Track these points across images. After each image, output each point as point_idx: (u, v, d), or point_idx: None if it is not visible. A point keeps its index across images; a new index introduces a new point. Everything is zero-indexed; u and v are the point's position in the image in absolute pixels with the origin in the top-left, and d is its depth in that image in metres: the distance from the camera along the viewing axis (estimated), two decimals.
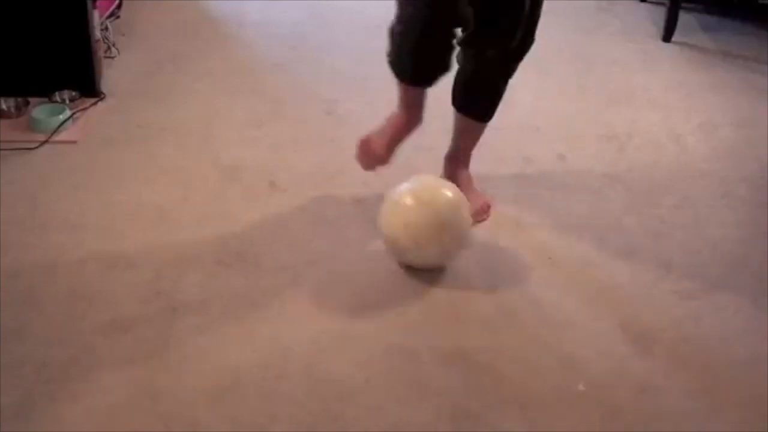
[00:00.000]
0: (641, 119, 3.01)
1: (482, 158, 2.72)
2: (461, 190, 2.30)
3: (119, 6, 3.57)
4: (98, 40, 3.03)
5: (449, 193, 2.21)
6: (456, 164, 2.53)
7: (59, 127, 2.77)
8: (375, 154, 2.48)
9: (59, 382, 1.83)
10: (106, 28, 3.30)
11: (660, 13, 3.73)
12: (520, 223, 2.44)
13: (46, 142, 2.71)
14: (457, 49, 2.35)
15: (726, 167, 2.75)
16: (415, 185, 2.23)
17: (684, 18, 3.66)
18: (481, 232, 2.39)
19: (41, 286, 2.11)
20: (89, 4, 2.88)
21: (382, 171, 2.60)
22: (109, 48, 3.26)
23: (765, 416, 1.82)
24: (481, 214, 2.43)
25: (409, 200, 2.20)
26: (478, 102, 2.46)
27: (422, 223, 2.16)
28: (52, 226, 2.33)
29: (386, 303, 2.11)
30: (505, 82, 2.42)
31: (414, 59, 2.39)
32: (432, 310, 2.09)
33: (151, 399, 1.80)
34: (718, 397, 1.88)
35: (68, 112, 2.82)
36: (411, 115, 2.50)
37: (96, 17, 2.98)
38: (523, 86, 3.21)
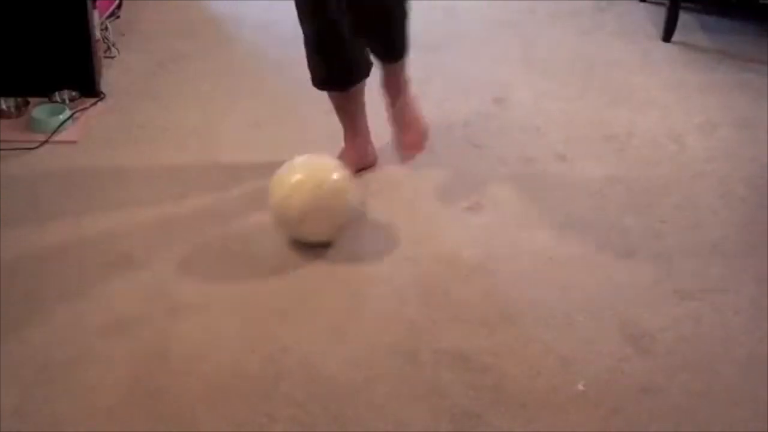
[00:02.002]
0: (641, 119, 3.01)
1: (482, 158, 2.73)
2: (402, 118, 2.47)
3: (119, 6, 3.57)
4: (98, 40, 3.03)
5: (335, 176, 2.26)
6: (396, 92, 2.53)
7: (59, 127, 2.77)
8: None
9: (59, 382, 1.83)
10: (106, 28, 3.30)
11: (660, 13, 3.73)
12: (520, 223, 2.44)
13: (46, 142, 2.71)
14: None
15: (726, 167, 2.75)
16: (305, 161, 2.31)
17: (684, 18, 3.65)
18: (481, 231, 2.39)
19: (41, 286, 2.11)
20: (89, 4, 2.88)
21: (381, 170, 2.61)
22: (109, 48, 3.26)
23: (765, 416, 1.82)
24: (411, 148, 2.50)
25: (296, 176, 2.27)
26: (393, 44, 2.44)
27: (306, 198, 2.21)
28: (52, 226, 2.33)
29: (386, 303, 2.11)
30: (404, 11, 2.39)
31: (322, 58, 2.44)
32: (432, 310, 2.09)
33: (151, 399, 1.80)
34: (718, 397, 1.88)
35: (68, 112, 2.82)
36: (359, 145, 2.57)
37: (96, 17, 2.98)
38: (523, 86, 3.22)
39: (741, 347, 2.02)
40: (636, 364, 1.95)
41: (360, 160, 2.57)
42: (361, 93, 2.55)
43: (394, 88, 2.50)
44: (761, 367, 1.96)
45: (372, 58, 2.49)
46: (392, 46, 2.42)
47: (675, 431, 1.80)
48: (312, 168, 2.30)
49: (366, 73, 2.52)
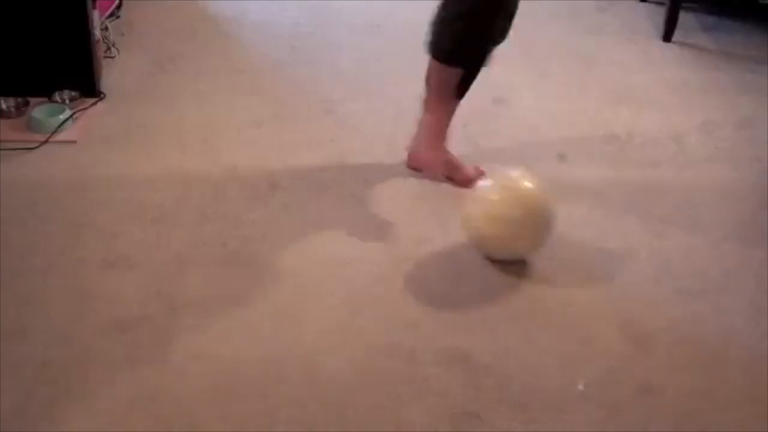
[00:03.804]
0: (641, 119, 3.01)
1: (482, 158, 2.72)
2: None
3: (119, 6, 3.57)
4: (98, 40, 3.02)
5: (533, 188, 2.24)
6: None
7: (59, 127, 2.77)
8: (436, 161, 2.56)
9: (59, 382, 1.83)
10: (106, 28, 3.30)
11: (660, 13, 3.73)
12: None
13: (46, 142, 2.71)
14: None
15: (726, 167, 2.75)
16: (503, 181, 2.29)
17: (684, 18, 3.65)
18: None
19: (41, 286, 2.11)
20: (89, 4, 2.88)
21: (382, 170, 2.61)
22: (109, 48, 3.26)
23: (765, 416, 1.82)
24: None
25: (494, 195, 2.25)
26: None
27: (507, 216, 2.19)
28: (52, 226, 2.33)
29: (386, 303, 2.11)
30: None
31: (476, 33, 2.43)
32: (432, 310, 2.09)
33: (151, 399, 1.80)
34: (718, 397, 1.88)
35: (68, 112, 2.82)
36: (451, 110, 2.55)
37: (96, 17, 2.98)
38: (523, 86, 3.22)
39: (741, 347, 2.02)
40: (636, 364, 1.95)
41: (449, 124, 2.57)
42: None
43: None
44: (761, 367, 1.96)
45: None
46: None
47: (675, 431, 1.80)
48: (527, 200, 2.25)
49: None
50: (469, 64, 2.47)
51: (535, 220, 2.22)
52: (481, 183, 2.31)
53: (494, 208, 2.22)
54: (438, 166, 2.57)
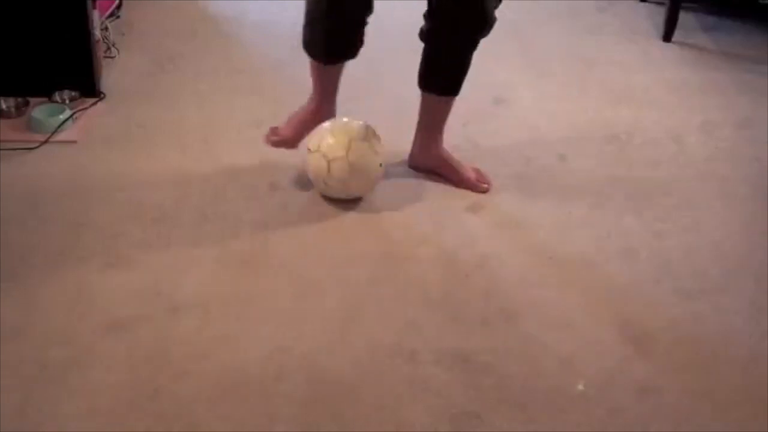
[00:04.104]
0: (641, 119, 3.01)
1: (482, 158, 2.72)
2: (452, 167, 2.56)
3: (119, 6, 3.57)
4: (98, 40, 3.02)
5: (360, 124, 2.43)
6: (437, 144, 2.60)
7: (59, 127, 2.77)
8: (282, 136, 2.60)
9: (59, 382, 1.83)
10: (106, 28, 3.30)
11: (660, 13, 3.73)
12: (520, 223, 2.44)
13: (46, 142, 2.71)
14: (367, 26, 2.43)
15: (726, 167, 2.75)
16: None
17: (684, 18, 3.65)
18: (481, 231, 2.39)
19: (41, 286, 2.11)
20: (89, 4, 2.88)
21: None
22: (109, 48, 3.26)
23: (765, 416, 1.82)
24: (481, 183, 2.56)
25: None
26: (448, 77, 2.52)
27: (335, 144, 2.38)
28: (52, 226, 2.33)
29: (386, 303, 2.11)
30: (472, 54, 2.48)
31: (326, 34, 2.44)
32: (432, 310, 2.10)
33: (151, 399, 1.80)
34: (718, 397, 1.88)
35: (68, 112, 2.82)
36: (323, 104, 2.58)
37: (96, 17, 2.98)
38: (523, 86, 3.22)
39: (741, 347, 2.02)
40: (636, 364, 1.95)
41: (316, 119, 2.56)
42: (342, 67, 2.56)
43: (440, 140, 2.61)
44: (761, 367, 1.96)
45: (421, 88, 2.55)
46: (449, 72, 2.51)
47: (675, 431, 1.80)
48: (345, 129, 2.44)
49: (354, 55, 2.52)
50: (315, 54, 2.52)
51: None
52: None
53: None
54: (276, 142, 2.60)
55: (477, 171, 2.59)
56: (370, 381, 1.88)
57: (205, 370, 1.88)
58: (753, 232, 2.45)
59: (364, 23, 2.44)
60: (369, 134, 2.44)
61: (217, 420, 1.76)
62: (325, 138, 2.42)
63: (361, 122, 2.46)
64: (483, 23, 2.37)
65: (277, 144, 2.60)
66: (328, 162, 2.38)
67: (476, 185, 2.55)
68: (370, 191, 2.48)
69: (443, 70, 2.50)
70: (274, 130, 2.62)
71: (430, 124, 2.58)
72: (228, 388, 1.84)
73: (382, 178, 2.49)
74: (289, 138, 2.59)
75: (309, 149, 2.45)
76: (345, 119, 2.50)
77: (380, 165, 2.45)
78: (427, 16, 2.43)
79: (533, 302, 2.14)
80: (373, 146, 2.43)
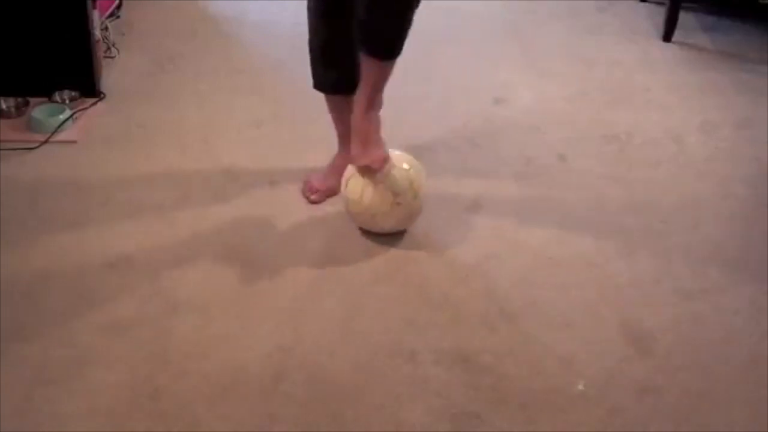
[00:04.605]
0: (641, 119, 3.01)
1: (482, 158, 2.73)
2: (368, 135, 2.33)
3: (119, 6, 3.57)
4: (98, 40, 3.03)
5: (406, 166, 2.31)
6: (369, 107, 2.39)
7: (59, 127, 2.77)
8: (325, 190, 2.49)
9: (59, 382, 1.83)
10: (106, 28, 3.30)
11: (660, 13, 3.73)
12: (520, 223, 2.44)
13: (46, 142, 2.71)
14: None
15: (726, 167, 2.75)
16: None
17: (684, 18, 3.65)
18: (481, 231, 2.39)
19: (41, 286, 2.11)
20: (89, 4, 2.88)
21: None
22: (109, 48, 3.26)
23: (765, 416, 1.82)
24: (376, 162, 2.34)
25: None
26: (389, 39, 2.28)
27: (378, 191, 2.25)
28: (52, 226, 2.33)
29: (386, 303, 2.12)
30: (412, 14, 2.26)
31: (331, 64, 2.40)
32: (432, 310, 2.10)
33: (151, 399, 1.80)
34: (718, 397, 1.88)
35: (68, 112, 2.82)
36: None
37: (96, 17, 2.98)
38: (523, 86, 3.22)
39: (741, 347, 2.02)
40: (636, 364, 1.96)
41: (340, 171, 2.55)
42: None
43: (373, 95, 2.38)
44: (761, 367, 1.96)
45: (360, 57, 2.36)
46: (394, 35, 2.26)
47: (675, 431, 1.80)
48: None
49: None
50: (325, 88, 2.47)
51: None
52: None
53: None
54: (318, 198, 2.51)
55: (377, 153, 2.33)
56: (370, 381, 1.88)
57: (205, 370, 1.88)
58: (753, 232, 2.45)
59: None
60: (411, 177, 2.31)
61: (217, 420, 1.76)
62: (367, 190, 2.28)
63: (404, 167, 2.32)
64: None
65: (319, 200, 2.49)
66: (372, 215, 2.30)
67: (353, 160, 2.36)
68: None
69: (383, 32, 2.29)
70: (310, 187, 2.50)
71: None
72: (228, 388, 1.84)
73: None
74: (332, 190, 2.49)
75: (349, 197, 2.33)
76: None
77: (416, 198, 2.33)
78: None
79: (533, 302, 2.14)
80: (413, 186, 2.31)
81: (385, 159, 2.31)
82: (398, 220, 2.33)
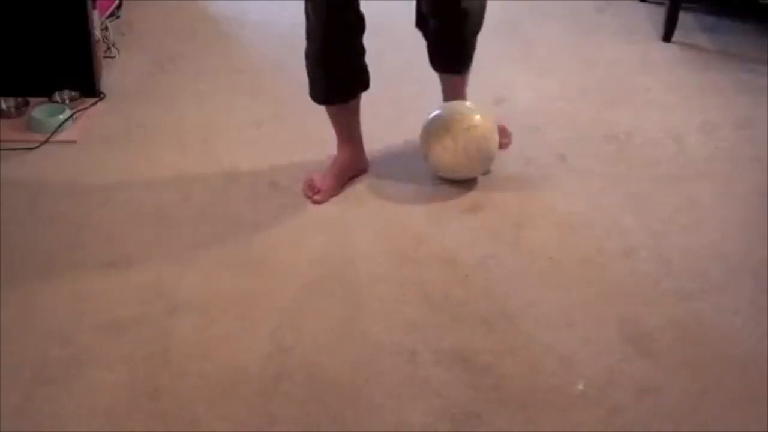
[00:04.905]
0: (641, 119, 3.01)
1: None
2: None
3: (119, 6, 3.57)
4: (98, 40, 3.03)
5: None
6: None
7: (59, 127, 2.77)
8: (326, 190, 2.49)
9: (59, 382, 1.83)
10: (106, 28, 3.30)
11: (660, 13, 3.72)
12: (520, 223, 2.44)
13: (46, 142, 2.71)
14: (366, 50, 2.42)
15: (726, 167, 2.75)
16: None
17: (684, 18, 3.65)
18: (481, 231, 2.39)
19: (41, 286, 2.11)
20: (89, 4, 2.88)
21: (381, 172, 2.61)
22: (109, 48, 3.26)
23: (765, 416, 1.82)
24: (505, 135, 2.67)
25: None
26: (459, 56, 2.59)
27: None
28: (52, 226, 2.33)
29: (386, 303, 2.11)
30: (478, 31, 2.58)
31: (331, 72, 2.42)
32: (432, 310, 2.09)
33: (151, 399, 1.80)
34: (718, 397, 1.88)
35: (68, 112, 2.82)
36: (354, 148, 2.55)
37: (96, 17, 2.98)
38: (523, 86, 3.22)
39: (741, 347, 2.02)
40: (636, 364, 1.95)
41: (353, 166, 2.57)
42: (358, 103, 2.54)
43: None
44: (761, 367, 1.96)
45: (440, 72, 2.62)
46: (464, 53, 2.57)
47: (675, 431, 1.80)
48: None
49: (367, 85, 2.51)
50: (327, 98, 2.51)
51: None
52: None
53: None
54: (343, 168, 2.55)
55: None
56: (370, 381, 1.88)
57: (205, 370, 1.88)
58: (753, 232, 2.45)
59: (362, 51, 2.43)
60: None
61: (217, 420, 1.76)
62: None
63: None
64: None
65: (323, 200, 2.47)
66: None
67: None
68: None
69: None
70: (311, 187, 2.48)
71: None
72: (228, 388, 1.84)
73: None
74: (335, 189, 2.50)
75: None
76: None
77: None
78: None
79: (533, 302, 2.14)
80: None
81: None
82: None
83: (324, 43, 2.37)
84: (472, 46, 2.59)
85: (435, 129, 2.52)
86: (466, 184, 2.60)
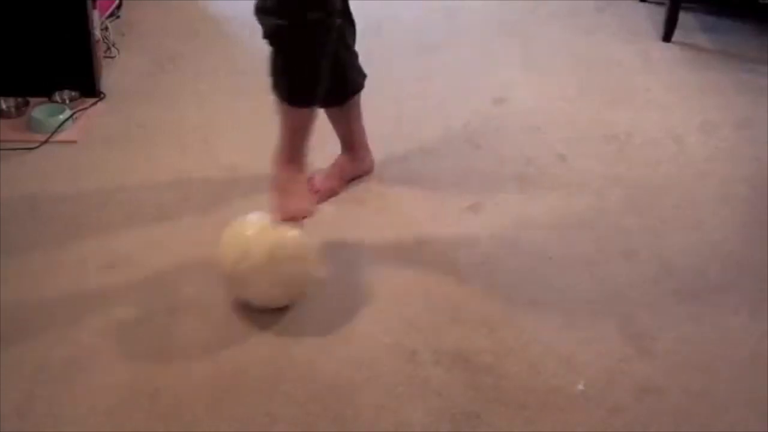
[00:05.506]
0: (641, 119, 3.01)
1: (483, 158, 2.73)
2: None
3: (119, 6, 3.57)
4: (98, 40, 3.03)
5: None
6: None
7: (59, 127, 2.77)
8: (326, 190, 2.48)
9: (59, 382, 1.83)
10: (106, 28, 3.30)
11: (660, 13, 3.73)
12: (520, 223, 2.44)
13: (46, 142, 2.71)
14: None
15: (726, 167, 2.75)
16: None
17: (684, 18, 3.65)
18: (481, 231, 2.39)
19: (41, 286, 2.11)
20: (89, 4, 2.88)
21: (381, 170, 2.61)
22: (109, 48, 3.26)
23: (765, 416, 1.82)
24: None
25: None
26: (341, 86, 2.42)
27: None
28: (52, 226, 2.33)
29: (386, 303, 2.11)
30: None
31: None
32: (432, 310, 2.10)
33: (151, 399, 1.80)
34: (718, 397, 1.88)
35: (68, 112, 2.82)
36: (355, 146, 2.51)
37: (96, 17, 2.98)
38: (523, 86, 3.22)
39: (741, 347, 2.02)
40: (636, 364, 1.95)
41: (355, 168, 2.57)
42: (358, 103, 2.51)
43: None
44: (761, 367, 1.96)
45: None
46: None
47: (675, 431, 1.80)
48: (268, 229, 2.05)
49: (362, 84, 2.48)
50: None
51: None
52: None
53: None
54: (347, 170, 2.54)
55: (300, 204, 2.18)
56: (370, 381, 1.88)
57: (206, 370, 1.88)
58: (753, 232, 2.45)
59: (354, 52, 2.42)
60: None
61: (217, 420, 1.76)
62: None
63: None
64: None
65: (321, 201, 2.40)
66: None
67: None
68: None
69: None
70: (311, 187, 2.38)
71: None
72: (228, 388, 1.84)
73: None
74: (334, 191, 2.49)
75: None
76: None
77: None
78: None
79: (533, 302, 2.14)
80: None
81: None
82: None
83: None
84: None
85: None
86: (466, 184, 2.60)
